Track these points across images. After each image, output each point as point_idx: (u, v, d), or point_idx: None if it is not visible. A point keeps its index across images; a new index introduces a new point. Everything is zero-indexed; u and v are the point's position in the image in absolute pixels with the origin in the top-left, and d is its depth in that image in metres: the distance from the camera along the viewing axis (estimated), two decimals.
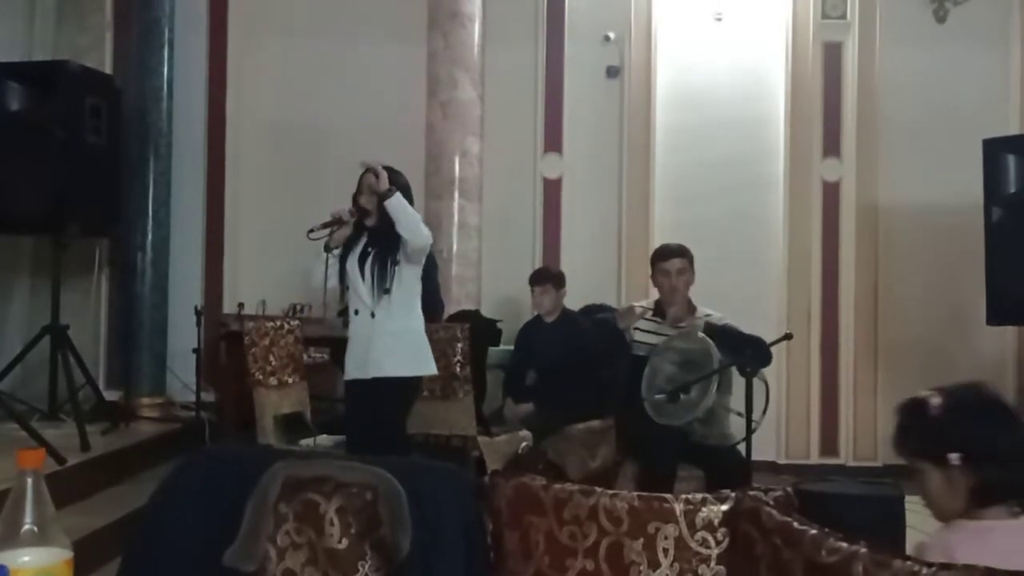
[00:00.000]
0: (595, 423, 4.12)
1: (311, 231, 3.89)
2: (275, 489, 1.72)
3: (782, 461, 6.24)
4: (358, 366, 3.97)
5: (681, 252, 4.43)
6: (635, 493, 1.59)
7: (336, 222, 3.93)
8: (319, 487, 1.71)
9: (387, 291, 3.90)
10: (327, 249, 3.95)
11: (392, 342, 3.94)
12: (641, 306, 4.57)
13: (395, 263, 3.92)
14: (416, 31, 6.20)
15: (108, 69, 6.16)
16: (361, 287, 3.96)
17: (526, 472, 1.75)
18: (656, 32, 6.45)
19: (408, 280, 3.98)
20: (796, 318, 6.25)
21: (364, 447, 3.83)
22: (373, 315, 3.94)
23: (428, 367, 4.09)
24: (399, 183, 3.94)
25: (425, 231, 3.91)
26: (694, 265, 4.45)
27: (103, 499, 4.43)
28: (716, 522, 1.53)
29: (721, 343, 4.09)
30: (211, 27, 6.55)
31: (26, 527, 1.20)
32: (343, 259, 3.98)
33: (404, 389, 4.04)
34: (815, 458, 6.30)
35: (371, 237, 3.99)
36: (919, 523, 4.28)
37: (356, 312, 4.01)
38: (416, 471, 1.74)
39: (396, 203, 3.81)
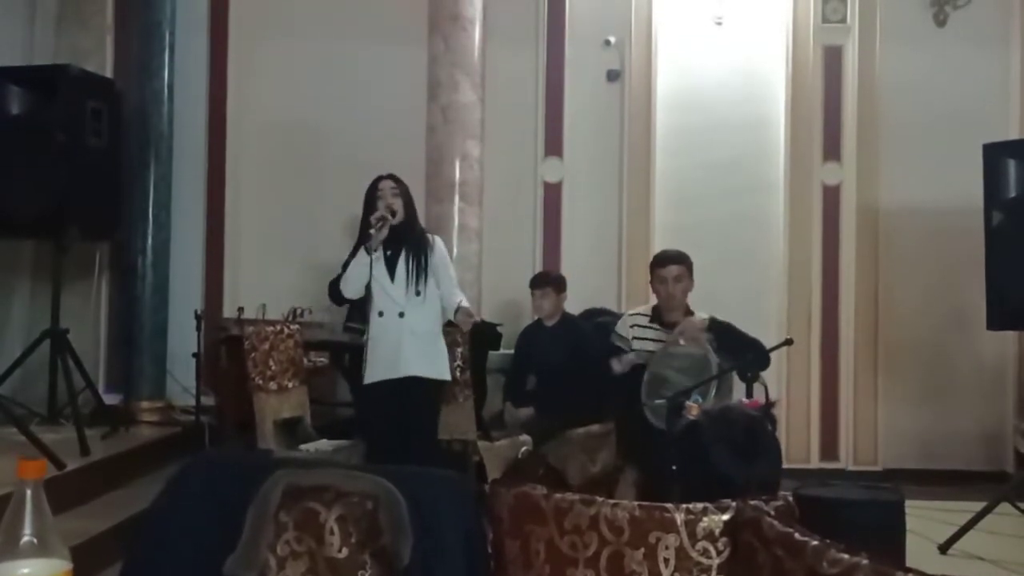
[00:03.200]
0: (595, 427, 4.11)
1: (367, 244, 3.98)
2: (276, 497, 1.72)
3: (782, 465, 6.22)
4: (387, 367, 4.01)
5: (679, 259, 4.42)
6: (636, 503, 1.59)
7: (383, 219, 4.00)
8: (319, 496, 1.71)
9: (419, 291, 3.99)
10: (368, 252, 4.00)
11: (422, 343, 4.04)
12: (639, 313, 4.57)
13: (428, 264, 4.04)
14: (417, 34, 6.20)
15: (109, 72, 6.16)
16: (391, 288, 4.01)
17: (526, 477, 1.75)
18: (656, 36, 6.44)
19: (433, 284, 4.10)
20: (796, 321, 6.25)
21: (391, 448, 3.86)
22: (402, 315, 4.00)
23: (448, 372, 4.22)
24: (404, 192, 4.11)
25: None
26: (693, 271, 4.44)
27: (103, 503, 4.42)
28: (717, 532, 1.53)
29: (723, 341, 4.10)
30: (212, 30, 6.54)
31: (25, 538, 1.20)
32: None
33: (434, 391, 4.14)
34: (815, 462, 6.28)
35: (388, 240, 4.05)
36: (920, 528, 4.30)
37: (380, 314, 4.04)
38: (417, 479, 1.74)
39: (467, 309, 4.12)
